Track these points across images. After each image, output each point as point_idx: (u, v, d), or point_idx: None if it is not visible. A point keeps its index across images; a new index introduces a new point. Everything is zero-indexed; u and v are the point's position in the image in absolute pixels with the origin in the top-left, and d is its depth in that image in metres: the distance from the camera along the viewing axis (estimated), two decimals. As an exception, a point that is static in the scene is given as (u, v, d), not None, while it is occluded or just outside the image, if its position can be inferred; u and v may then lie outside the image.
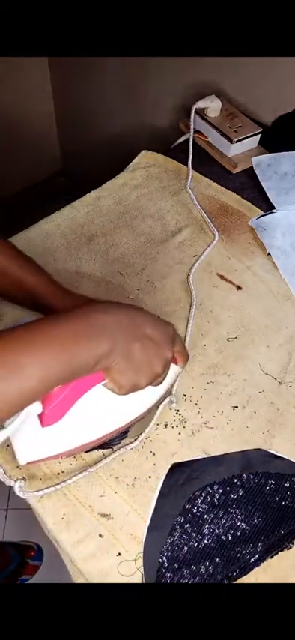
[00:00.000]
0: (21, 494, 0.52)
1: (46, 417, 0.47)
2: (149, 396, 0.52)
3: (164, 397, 0.59)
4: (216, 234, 0.81)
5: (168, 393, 0.60)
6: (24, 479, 0.53)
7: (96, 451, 0.56)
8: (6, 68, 1.51)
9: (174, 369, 0.53)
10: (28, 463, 0.51)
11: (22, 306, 0.60)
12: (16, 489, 0.52)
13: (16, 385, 0.37)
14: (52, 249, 0.78)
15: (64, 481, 0.53)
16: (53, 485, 0.52)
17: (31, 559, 1.15)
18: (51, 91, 1.71)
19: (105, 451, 0.56)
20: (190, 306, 0.71)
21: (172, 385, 0.61)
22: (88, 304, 0.52)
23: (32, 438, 0.48)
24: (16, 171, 1.72)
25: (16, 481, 0.52)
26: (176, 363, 0.52)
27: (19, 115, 1.68)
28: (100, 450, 0.56)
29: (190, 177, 0.91)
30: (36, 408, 0.45)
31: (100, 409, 0.49)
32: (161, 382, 0.50)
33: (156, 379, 0.48)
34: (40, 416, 0.47)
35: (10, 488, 0.52)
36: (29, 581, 1.13)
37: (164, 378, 0.50)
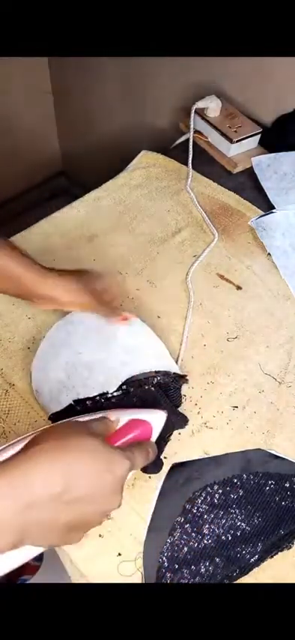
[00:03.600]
0: None
1: None
2: None
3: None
4: (216, 235, 0.81)
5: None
6: None
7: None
8: (6, 68, 1.51)
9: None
10: None
11: (3, 293, 0.62)
12: None
13: None
14: (52, 249, 0.78)
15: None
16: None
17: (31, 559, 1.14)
18: (51, 91, 1.71)
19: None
20: (188, 305, 0.71)
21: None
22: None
23: None
24: (16, 171, 1.72)
25: None
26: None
27: (19, 115, 1.68)
28: None
29: (190, 177, 0.91)
30: None
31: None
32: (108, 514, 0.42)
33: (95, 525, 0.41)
34: None
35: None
36: (29, 581, 1.13)
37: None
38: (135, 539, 0.51)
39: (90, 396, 0.57)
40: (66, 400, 0.57)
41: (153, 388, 0.58)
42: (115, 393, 0.57)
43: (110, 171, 0.92)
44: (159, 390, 0.58)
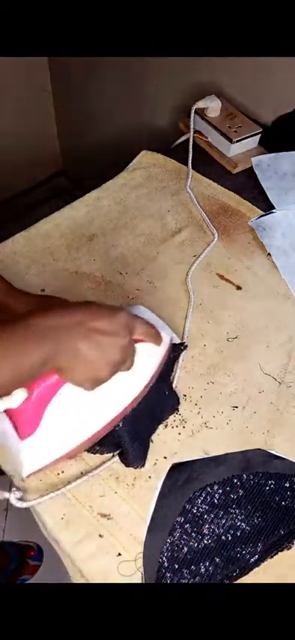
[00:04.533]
0: (19, 505, 0.50)
1: (21, 431, 0.47)
2: (131, 382, 0.52)
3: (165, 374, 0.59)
4: (216, 235, 0.81)
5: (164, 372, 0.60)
6: (18, 489, 0.52)
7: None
8: (6, 68, 1.51)
9: (154, 350, 0.53)
10: (29, 475, 0.50)
11: None
12: (13, 501, 0.50)
13: None
14: (52, 249, 0.78)
15: (64, 486, 0.52)
16: (53, 491, 0.52)
17: (31, 559, 1.15)
18: (51, 91, 1.71)
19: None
20: (188, 305, 0.71)
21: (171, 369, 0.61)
22: (42, 304, 0.55)
23: (22, 450, 0.48)
24: (16, 171, 1.72)
25: (10, 492, 0.50)
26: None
27: (20, 114, 1.68)
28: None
29: (190, 177, 0.91)
30: (5, 425, 0.46)
31: (80, 407, 0.49)
32: (129, 367, 0.49)
33: (117, 367, 0.48)
34: (16, 431, 0.47)
35: (11, 487, 0.52)
36: (29, 581, 1.13)
37: (131, 363, 0.49)
38: (135, 539, 0.51)
39: None
40: None
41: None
42: None
43: (110, 171, 0.92)
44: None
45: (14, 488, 0.51)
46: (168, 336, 0.56)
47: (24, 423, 0.47)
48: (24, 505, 0.51)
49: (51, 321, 0.43)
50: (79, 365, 0.45)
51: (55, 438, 0.49)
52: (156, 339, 0.53)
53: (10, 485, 0.52)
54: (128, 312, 0.49)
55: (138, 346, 0.50)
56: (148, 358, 0.53)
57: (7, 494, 0.50)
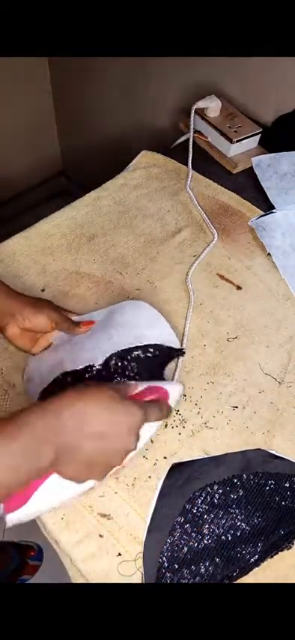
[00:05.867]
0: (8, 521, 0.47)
1: (7, 507, 0.45)
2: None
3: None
4: (215, 235, 0.81)
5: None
6: None
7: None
8: (6, 68, 1.51)
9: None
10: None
11: None
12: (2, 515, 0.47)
13: None
14: (52, 249, 0.78)
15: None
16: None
17: (31, 559, 1.15)
18: (51, 91, 1.71)
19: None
20: (188, 305, 0.71)
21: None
22: (34, 306, 0.56)
23: (5, 519, 0.46)
24: (16, 171, 1.72)
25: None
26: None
27: (19, 115, 1.68)
28: None
29: (190, 177, 0.91)
30: None
31: (69, 488, 0.47)
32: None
33: (114, 468, 0.47)
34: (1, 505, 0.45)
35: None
36: (29, 581, 1.13)
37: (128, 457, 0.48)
38: (135, 539, 0.51)
39: (77, 368, 0.58)
40: (53, 377, 0.58)
41: (134, 363, 0.59)
42: (99, 368, 0.58)
43: (110, 171, 0.92)
44: (146, 364, 0.59)
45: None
46: (179, 387, 0.55)
47: (11, 501, 0.45)
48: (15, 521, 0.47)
49: (53, 425, 0.42)
50: (77, 467, 0.44)
51: (41, 509, 0.47)
52: (166, 416, 0.52)
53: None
54: (141, 411, 0.46)
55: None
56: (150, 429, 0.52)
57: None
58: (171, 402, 0.53)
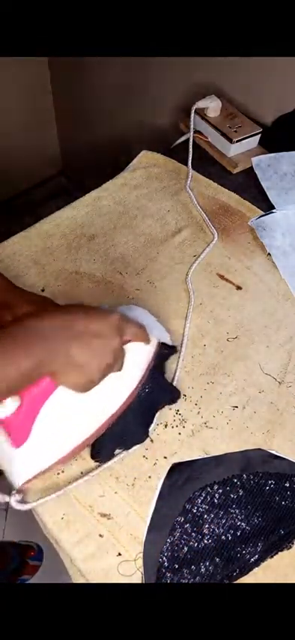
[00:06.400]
0: (19, 507, 0.50)
1: (14, 440, 0.47)
2: (122, 383, 0.52)
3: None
4: (215, 235, 0.81)
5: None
6: (18, 491, 0.51)
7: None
8: (6, 68, 1.51)
9: (143, 349, 0.54)
10: (24, 483, 0.50)
11: None
12: (13, 504, 0.50)
13: None
14: (52, 249, 0.78)
15: (65, 486, 0.52)
16: (53, 492, 0.52)
17: (31, 559, 1.15)
18: (51, 91, 1.71)
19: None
20: (188, 305, 0.71)
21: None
22: (39, 304, 0.56)
23: (16, 459, 0.48)
24: (16, 171, 1.72)
25: (11, 495, 0.50)
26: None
27: (19, 114, 1.68)
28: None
29: (190, 177, 0.91)
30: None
31: (72, 412, 0.49)
32: (120, 368, 0.50)
33: (109, 369, 0.48)
34: (9, 439, 0.47)
35: (11, 489, 0.52)
36: (29, 581, 1.13)
37: (122, 364, 0.50)
38: (135, 539, 0.51)
39: None
40: None
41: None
42: None
43: (110, 171, 0.92)
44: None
45: (14, 491, 0.51)
46: (155, 338, 0.57)
47: (16, 431, 0.47)
48: (25, 508, 0.51)
49: (41, 326, 0.44)
50: (71, 368, 0.45)
51: (47, 445, 0.49)
52: (146, 338, 0.54)
53: (10, 487, 0.52)
54: (118, 314, 0.49)
55: (127, 346, 0.50)
56: (138, 357, 0.54)
57: (7, 498, 0.50)
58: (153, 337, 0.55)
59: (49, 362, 0.44)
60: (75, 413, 0.50)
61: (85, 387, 0.47)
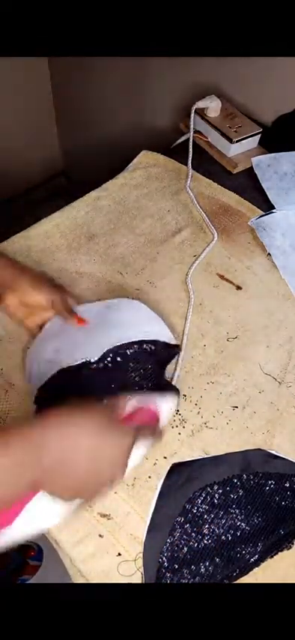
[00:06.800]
0: None
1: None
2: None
3: None
4: (215, 235, 0.81)
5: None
6: None
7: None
8: (6, 68, 1.51)
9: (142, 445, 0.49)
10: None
11: None
12: None
13: None
14: (52, 249, 0.78)
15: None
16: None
17: (31, 559, 1.15)
18: (51, 91, 1.71)
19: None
20: (188, 305, 0.71)
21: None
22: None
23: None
24: (16, 171, 1.72)
25: None
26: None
27: (20, 115, 1.68)
28: None
29: (190, 177, 0.91)
30: None
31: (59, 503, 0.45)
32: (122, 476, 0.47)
33: (108, 485, 0.46)
34: None
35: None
36: (29, 581, 1.13)
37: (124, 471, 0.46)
38: (135, 539, 0.51)
39: (73, 364, 0.58)
40: (51, 373, 0.58)
41: (130, 359, 0.59)
42: (95, 365, 0.58)
43: (110, 171, 0.92)
44: (142, 360, 0.59)
45: None
46: (172, 402, 0.54)
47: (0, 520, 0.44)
48: None
49: (37, 450, 0.40)
50: (66, 486, 0.43)
51: (27, 531, 0.46)
52: (158, 437, 0.50)
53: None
54: (130, 437, 0.44)
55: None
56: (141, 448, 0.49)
57: None
58: (162, 422, 0.51)
59: (44, 482, 0.41)
60: (55, 507, 0.46)
61: (71, 499, 0.45)
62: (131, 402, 0.49)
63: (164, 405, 0.52)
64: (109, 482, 0.45)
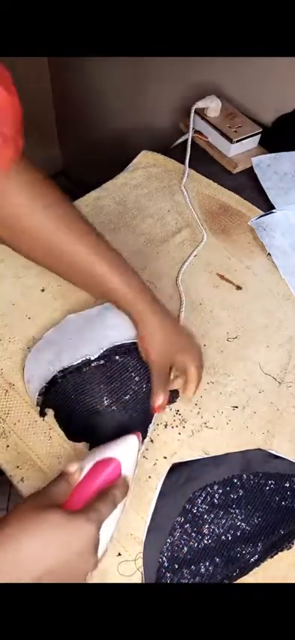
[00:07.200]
0: None
1: None
2: None
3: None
4: (204, 235, 0.81)
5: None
6: (22, 480, 0.52)
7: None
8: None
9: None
10: None
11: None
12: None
13: None
14: (52, 249, 0.78)
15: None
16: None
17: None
18: (51, 91, 1.71)
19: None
20: (180, 306, 0.71)
21: None
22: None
23: None
24: (16, 171, 1.72)
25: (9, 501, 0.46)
26: None
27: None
28: None
29: (186, 175, 0.91)
30: None
31: None
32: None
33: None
34: None
35: (10, 487, 0.52)
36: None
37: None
38: (135, 539, 0.51)
39: (74, 364, 0.57)
40: (52, 375, 0.58)
41: (130, 357, 0.59)
42: (95, 363, 0.58)
43: (110, 171, 0.92)
44: (145, 363, 0.58)
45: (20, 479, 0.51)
46: (132, 443, 0.49)
47: None
48: None
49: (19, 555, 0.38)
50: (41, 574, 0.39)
51: None
52: (123, 495, 0.45)
53: (9, 487, 0.52)
54: (92, 523, 0.41)
55: None
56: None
57: None
58: (126, 467, 0.46)
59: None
60: None
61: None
62: (88, 460, 0.45)
63: (125, 450, 0.47)
64: (83, 576, 0.42)
